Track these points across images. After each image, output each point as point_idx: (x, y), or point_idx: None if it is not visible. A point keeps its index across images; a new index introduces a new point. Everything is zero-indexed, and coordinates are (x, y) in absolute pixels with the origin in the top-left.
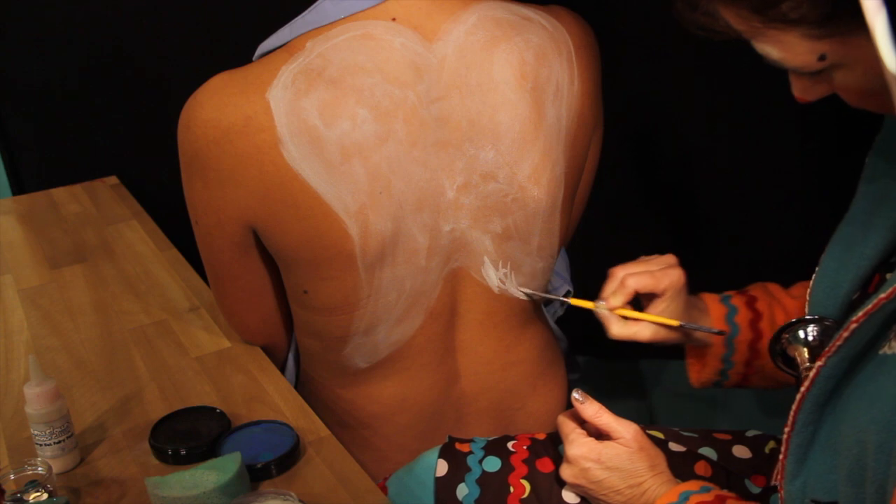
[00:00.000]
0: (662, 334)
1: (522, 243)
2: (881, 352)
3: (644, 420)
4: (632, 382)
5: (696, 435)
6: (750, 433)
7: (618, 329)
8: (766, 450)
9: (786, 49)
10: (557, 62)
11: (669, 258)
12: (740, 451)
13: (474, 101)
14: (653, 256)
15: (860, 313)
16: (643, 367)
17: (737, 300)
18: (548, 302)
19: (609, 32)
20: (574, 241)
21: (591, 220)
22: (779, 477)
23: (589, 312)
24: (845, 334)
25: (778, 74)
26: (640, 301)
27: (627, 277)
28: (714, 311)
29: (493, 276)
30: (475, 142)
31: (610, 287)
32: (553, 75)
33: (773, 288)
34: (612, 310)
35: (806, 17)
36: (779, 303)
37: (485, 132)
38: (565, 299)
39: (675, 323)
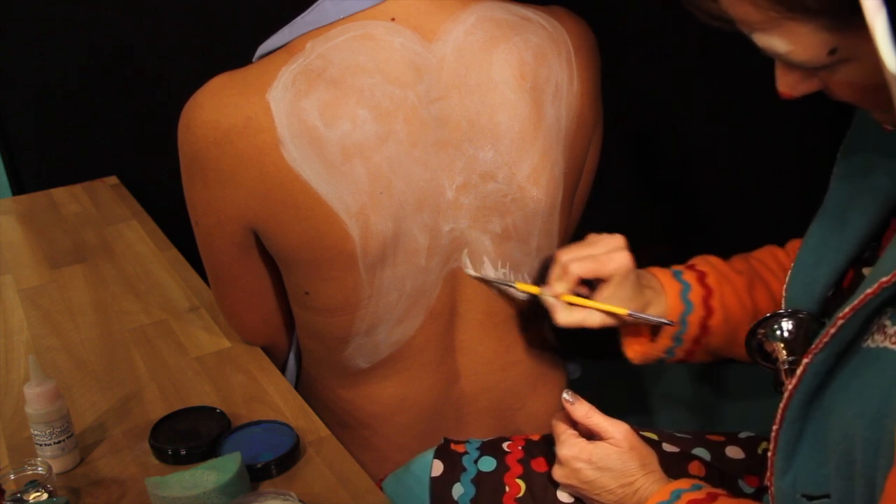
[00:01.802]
0: (612, 320)
1: (521, 244)
2: (864, 346)
3: (641, 422)
4: (630, 384)
5: (689, 436)
6: (743, 434)
7: (563, 317)
8: (759, 450)
9: (796, 42)
10: (557, 62)
11: (616, 240)
12: (733, 452)
13: (473, 101)
14: (601, 236)
15: (847, 309)
16: (641, 368)
17: (688, 276)
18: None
19: (609, 32)
20: (574, 242)
21: (591, 220)
22: (768, 474)
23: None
24: (832, 330)
25: None
26: (592, 283)
27: (570, 263)
28: (669, 289)
29: (493, 276)
30: (474, 142)
31: (555, 273)
32: (552, 75)
33: (716, 261)
34: (556, 296)
35: (827, 8)
36: (726, 278)
37: (484, 132)
38: (511, 284)
39: (623, 311)
